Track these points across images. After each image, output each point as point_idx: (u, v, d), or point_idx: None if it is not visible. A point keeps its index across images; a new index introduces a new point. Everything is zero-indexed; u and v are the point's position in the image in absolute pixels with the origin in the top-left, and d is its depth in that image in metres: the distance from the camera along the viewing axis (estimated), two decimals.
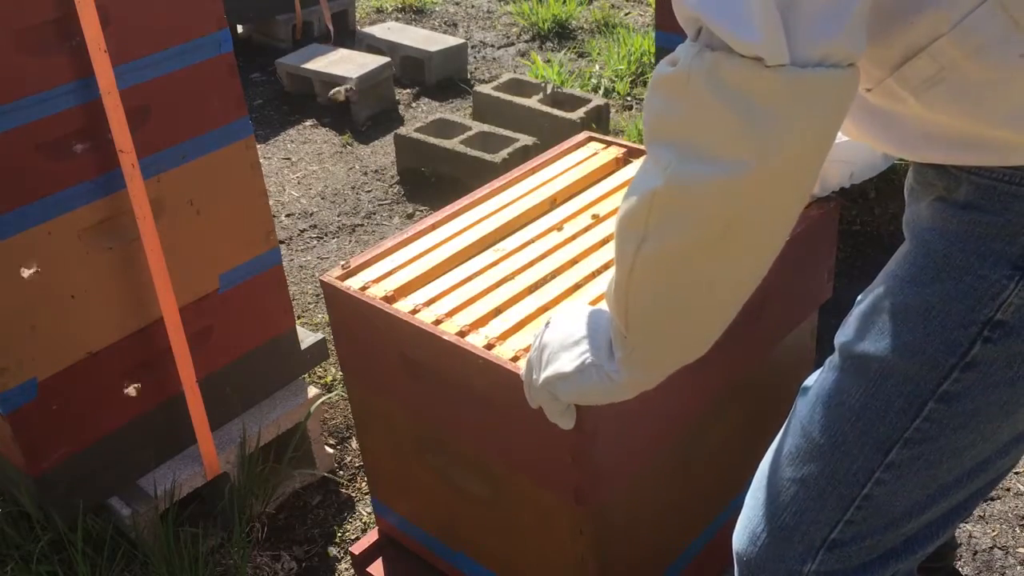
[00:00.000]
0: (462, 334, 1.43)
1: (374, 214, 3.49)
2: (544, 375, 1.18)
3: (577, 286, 1.52)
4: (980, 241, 1.03)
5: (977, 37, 0.92)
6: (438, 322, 1.46)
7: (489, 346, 1.40)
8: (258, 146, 3.83)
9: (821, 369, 1.22)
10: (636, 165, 1.84)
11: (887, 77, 1.00)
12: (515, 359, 1.37)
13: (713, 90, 0.88)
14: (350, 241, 3.34)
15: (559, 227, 1.68)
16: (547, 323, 1.22)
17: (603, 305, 1.18)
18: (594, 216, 1.69)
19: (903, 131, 1.07)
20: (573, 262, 1.58)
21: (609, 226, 1.66)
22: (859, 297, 1.18)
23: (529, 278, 1.55)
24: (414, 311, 1.49)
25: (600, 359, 1.12)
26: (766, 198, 0.94)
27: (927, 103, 1.00)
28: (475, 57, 4.70)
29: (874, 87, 1.03)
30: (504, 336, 1.42)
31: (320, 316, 2.93)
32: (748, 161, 0.90)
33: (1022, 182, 1.00)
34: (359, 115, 4.11)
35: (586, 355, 1.14)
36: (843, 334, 1.17)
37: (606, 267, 1.56)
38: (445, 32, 4.94)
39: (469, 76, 4.50)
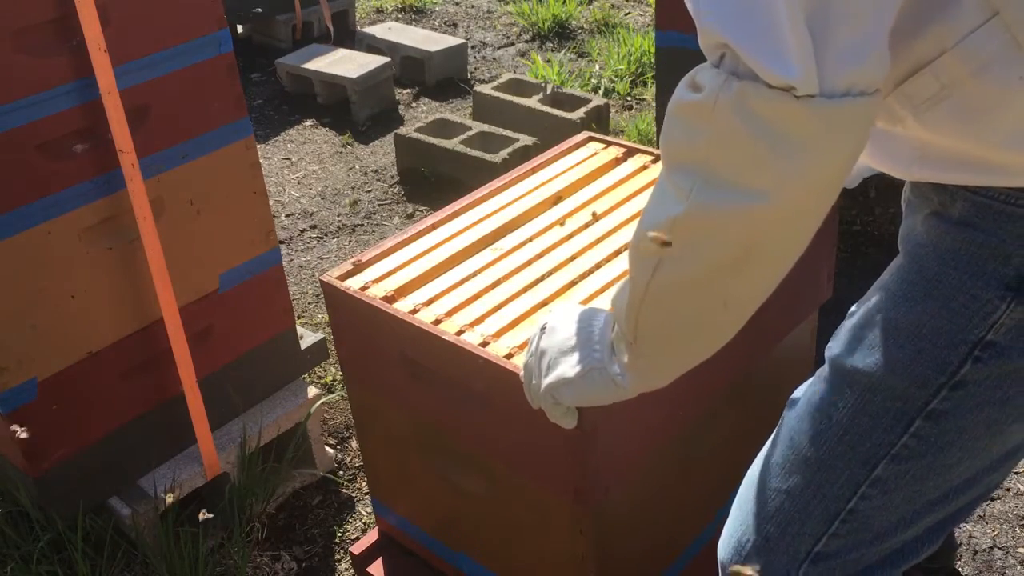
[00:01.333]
0: (461, 333, 1.43)
1: (374, 214, 3.49)
2: (547, 381, 1.18)
3: (573, 283, 1.53)
4: (973, 260, 1.03)
5: (980, 55, 0.92)
6: (438, 322, 1.46)
7: (484, 343, 1.40)
8: (258, 146, 3.83)
9: (811, 380, 1.21)
10: (635, 161, 1.84)
11: (887, 96, 0.99)
12: (509, 356, 1.37)
13: (741, 120, 0.87)
14: (350, 241, 3.34)
15: (561, 222, 1.68)
16: (542, 328, 1.21)
17: (596, 303, 1.17)
18: (593, 214, 1.69)
19: (899, 151, 1.06)
20: (572, 259, 1.58)
21: (607, 223, 1.66)
22: (852, 308, 1.18)
23: (528, 276, 1.55)
24: (414, 311, 1.49)
25: (603, 363, 1.12)
26: (788, 223, 0.94)
27: (926, 123, 0.99)
28: (475, 57, 4.70)
29: None
30: (499, 333, 1.43)
31: (320, 316, 2.93)
32: (773, 189, 0.89)
33: (1016, 202, 0.99)
34: (359, 115, 4.11)
35: (589, 359, 1.13)
36: (834, 346, 1.17)
37: (598, 266, 1.57)
38: (445, 32, 4.94)
39: (469, 76, 4.50)
